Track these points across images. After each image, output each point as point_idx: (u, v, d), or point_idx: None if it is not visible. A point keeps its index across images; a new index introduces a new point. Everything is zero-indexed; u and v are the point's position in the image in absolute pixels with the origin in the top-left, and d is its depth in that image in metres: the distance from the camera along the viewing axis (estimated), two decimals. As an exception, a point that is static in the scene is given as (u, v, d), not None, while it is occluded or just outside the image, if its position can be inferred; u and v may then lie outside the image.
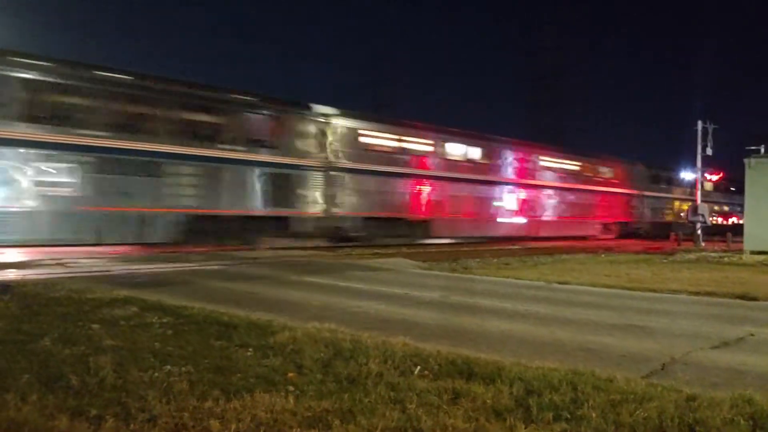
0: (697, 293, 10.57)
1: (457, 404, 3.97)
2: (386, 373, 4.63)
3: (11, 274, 11.53)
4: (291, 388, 4.24)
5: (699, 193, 28.90)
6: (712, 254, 21.83)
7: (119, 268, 13.29)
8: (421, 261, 16.81)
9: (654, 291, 10.91)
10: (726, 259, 19.67)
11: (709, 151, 27.64)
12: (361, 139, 25.05)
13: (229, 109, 21.84)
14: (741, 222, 27.06)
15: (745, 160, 22.44)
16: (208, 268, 14.26)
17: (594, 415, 3.80)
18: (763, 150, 23.63)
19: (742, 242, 22.30)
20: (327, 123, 23.69)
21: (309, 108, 23.62)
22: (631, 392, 4.24)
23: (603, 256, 21.16)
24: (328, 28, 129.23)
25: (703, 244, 26.56)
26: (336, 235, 24.21)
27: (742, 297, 10.03)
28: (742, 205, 24.06)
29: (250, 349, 5.42)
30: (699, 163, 27.97)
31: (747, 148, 23.47)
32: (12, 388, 4.06)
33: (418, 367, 4.81)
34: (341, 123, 24.10)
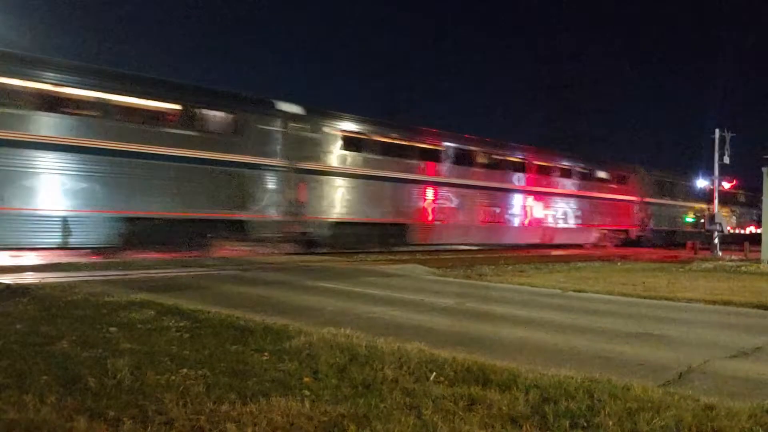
0: (714, 302, 10.47)
1: (473, 411, 3.96)
2: (402, 379, 4.64)
3: (29, 277, 11.65)
4: (307, 392, 4.25)
5: (716, 201, 28.64)
6: (729, 263, 21.63)
7: (136, 272, 13.38)
8: (436, 267, 16.80)
9: (670, 300, 10.82)
10: (743, 268, 19.48)
11: (726, 160, 27.39)
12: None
13: None
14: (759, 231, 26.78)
15: (763, 169, 22.25)
16: (224, 272, 14.32)
17: (611, 423, 3.78)
18: None
19: (759, 251, 22.10)
20: None
21: None
22: (648, 400, 4.21)
23: (618, 264, 21.03)
24: (344, 34, 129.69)
25: (720, 253, 26.31)
26: None
27: (760, 306, 9.92)
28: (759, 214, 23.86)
29: (266, 354, 5.44)
30: (716, 172, 27.74)
31: (765, 156, 23.24)
32: (31, 389, 4.11)
33: (434, 374, 4.80)
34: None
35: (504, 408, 3.99)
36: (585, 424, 3.77)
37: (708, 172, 28.26)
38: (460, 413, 3.90)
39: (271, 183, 21.01)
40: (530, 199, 31.41)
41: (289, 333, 6.33)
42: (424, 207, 26.12)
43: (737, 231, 44.36)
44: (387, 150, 24.92)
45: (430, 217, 26.53)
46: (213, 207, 19.60)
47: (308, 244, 22.61)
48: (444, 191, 26.96)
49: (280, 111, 21.53)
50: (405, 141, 25.91)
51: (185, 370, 4.72)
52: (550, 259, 22.97)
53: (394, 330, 7.12)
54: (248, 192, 20.43)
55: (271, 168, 20.96)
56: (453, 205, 27.34)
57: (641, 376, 5.14)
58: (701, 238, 32.24)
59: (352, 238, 23.88)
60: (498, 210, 29.79)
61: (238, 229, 20.43)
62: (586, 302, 10.56)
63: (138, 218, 18.09)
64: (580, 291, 11.93)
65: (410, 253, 24.12)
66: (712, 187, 28.80)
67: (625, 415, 3.92)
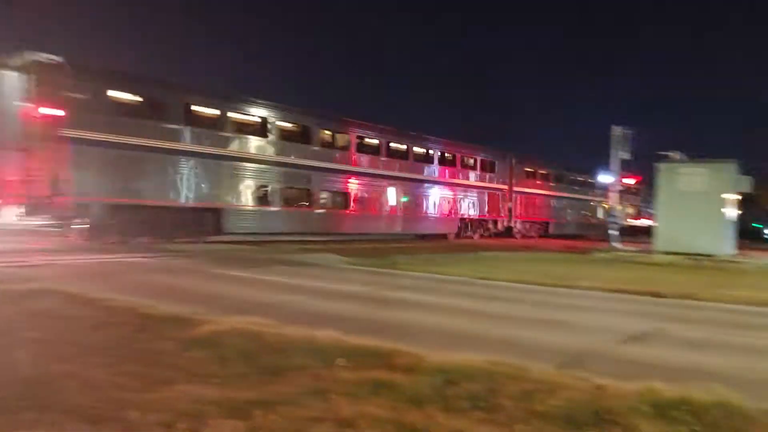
0: (610, 290, 11.04)
1: (378, 394, 4.06)
2: (310, 365, 4.69)
3: None
4: (214, 379, 4.24)
5: (615, 195, 30.06)
6: (625, 254, 22.82)
7: (41, 259, 12.77)
8: (348, 256, 16.88)
9: (570, 287, 11.32)
10: (639, 258, 20.61)
11: (627, 156, 28.74)
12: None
13: None
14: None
15: (657, 165, 23.58)
16: (132, 260, 13.90)
17: (509, 403, 3.97)
18: (679, 155, 24.82)
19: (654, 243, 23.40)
20: None
21: None
22: (544, 382, 4.44)
23: (523, 254, 21.79)
24: (255, 19, 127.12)
25: (618, 244, 27.68)
26: None
27: (652, 294, 10.55)
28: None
29: (173, 342, 5.36)
30: (615, 167, 29.09)
31: (658, 153, 24.64)
32: None
33: (342, 359, 4.88)
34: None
35: (408, 391, 4.11)
36: (485, 405, 3.94)
37: (608, 168, 29.60)
38: (366, 396, 3.99)
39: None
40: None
41: (196, 321, 6.24)
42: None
43: (637, 223, 47.16)
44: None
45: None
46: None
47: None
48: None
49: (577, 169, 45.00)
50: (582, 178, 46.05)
51: (90, 359, 4.61)
52: (460, 249, 23.51)
53: (305, 318, 7.14)
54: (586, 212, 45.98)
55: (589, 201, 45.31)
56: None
57: (540, 359, 5.39)
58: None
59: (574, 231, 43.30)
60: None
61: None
62: (494, 290, 10.92)
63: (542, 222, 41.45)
64: (486, 279, 12.30)
65: (326, 243, 24.16)
66: (613, 181, 30.17)
67: (523, 395, 4.12)
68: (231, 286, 10.20)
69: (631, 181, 39.53)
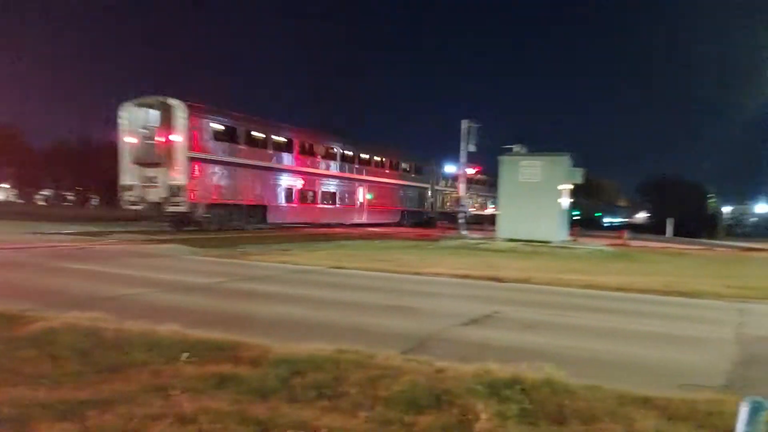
0: (455, 276, 11.57)
1: (222, 388, 4.01)
2: (151, 361, 4.53)
3: None
4: (44, 380, 3.98)
5: (463, 186, 31.44)
6: (471, 241, 23.99)
7: None
8: (198, 247, 16.39)
9: (420, 274, 11.75)
10: (482, 245, 21.74)
11: (472, 148, 30.10)
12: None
13: None
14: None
15: (499, 158, 24.94)
16: None
17: (354, 391, 4.05)
18: (518, 149, 26.33)
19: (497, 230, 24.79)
20: None
21: None
22: (388, 367, 4.58)
23: (377, 242, 22.25)
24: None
25: (465, 232, 29.01)
26: None
27: (492, 279, 11.18)
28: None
29: (-1, 342, 4.95)
30: (463, 159, 30.41)
31: (502, 147, 26.04)
32: None
33: (186, 354, 4.74)
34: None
35: (253, 384, 4.09)
36: (330, 394, 4.00)
37: (456, 159, 30.94)
38: (210, 391, 3.92)
39: None
40: None
41: (27, 318, 5.83)
42: None
43: (481, 212, 50.01)
44: None
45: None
46: None
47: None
48: None
49: None
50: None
51: None
52: (316, 237, 23.57)
53: (149, 312, 6.85)
54: None
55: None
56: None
57: (387, 345, 5.54)
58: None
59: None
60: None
61: None
62: (346, 278, 11.06)
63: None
64: (340, 268, 12.44)
65: (172, 233, 23.29)
66: (459, 172, 31.55)
67: (368, 382, 4.22)
68: (71, 279, 9.58)
69: (471, 171, 41.80)
